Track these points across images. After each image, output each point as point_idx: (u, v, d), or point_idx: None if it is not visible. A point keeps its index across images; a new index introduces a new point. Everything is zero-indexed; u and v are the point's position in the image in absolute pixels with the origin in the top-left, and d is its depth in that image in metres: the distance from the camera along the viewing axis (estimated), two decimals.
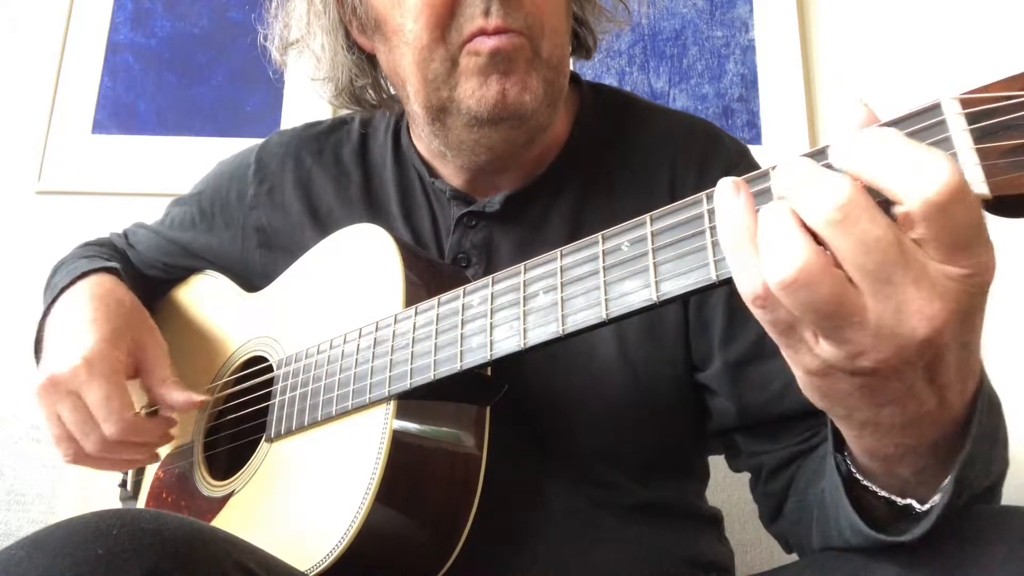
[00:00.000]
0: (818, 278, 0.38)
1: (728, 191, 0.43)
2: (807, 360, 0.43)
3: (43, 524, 0.53)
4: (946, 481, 0.47)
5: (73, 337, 0.80)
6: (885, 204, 0.39)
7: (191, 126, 1.68)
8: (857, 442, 0.49)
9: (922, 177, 0.37)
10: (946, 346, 0.40)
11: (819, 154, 0.42)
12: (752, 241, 0.42)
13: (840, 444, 0.53)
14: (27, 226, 1.61)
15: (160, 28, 1.74)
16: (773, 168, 0.45)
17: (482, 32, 0.71)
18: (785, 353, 0.44)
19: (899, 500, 0.51)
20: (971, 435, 0.45)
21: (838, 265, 0.39)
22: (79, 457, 0.79)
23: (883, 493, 0.51)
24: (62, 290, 0.88)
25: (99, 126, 1.67)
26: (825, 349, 0.41)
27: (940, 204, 0.37)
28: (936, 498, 0.48)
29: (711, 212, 0.48)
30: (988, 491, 0.54)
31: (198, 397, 0.84)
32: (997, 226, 0.42)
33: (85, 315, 0.83)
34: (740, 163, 0.84)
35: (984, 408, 0.46)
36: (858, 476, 0.53)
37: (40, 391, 0.78)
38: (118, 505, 0.92)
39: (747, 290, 0.42)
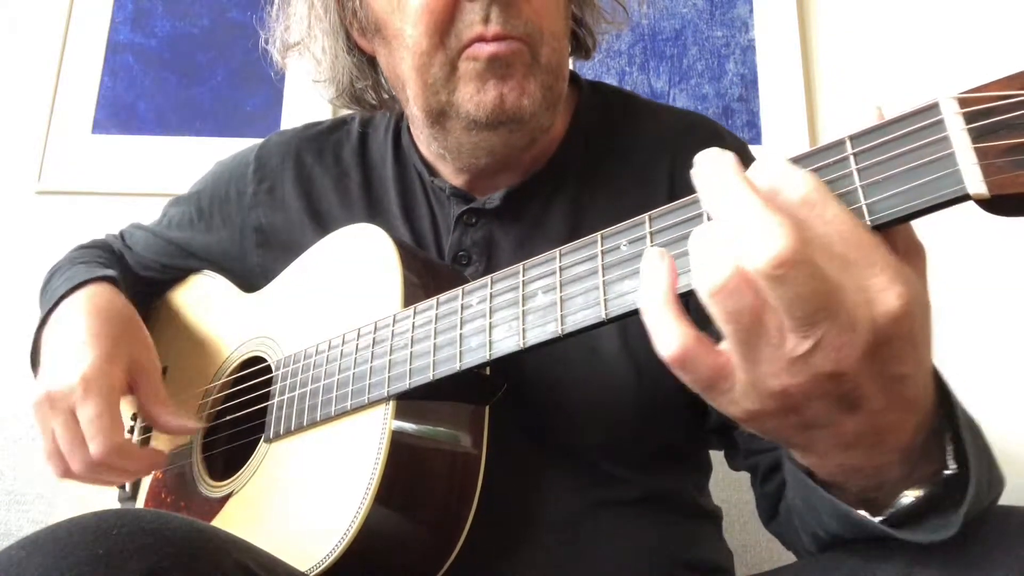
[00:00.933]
0: (745, 286, 0.40)
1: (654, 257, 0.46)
2: (724, 400, 0.45)
3: (43, 524, 0.53)
4: (903, 497, 0.48)
5: (72, 353, 0.80)
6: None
7: (191, 126, 1.68)
8: (802, 462, 0.51)
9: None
10: (860, 377, 0.41)
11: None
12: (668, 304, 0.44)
13: None
14: (27, 226, 1.61)
15: (160, 28, 1.74)
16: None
17: (481, 39, 0.72)
18: (703, 395, 0.46)
19: (851, 510, 0.51)
20: (972, 470, 0.46)
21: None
22: (67, 473, 0.79)
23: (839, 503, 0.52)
24: (59, 299, 0.88)
25: (99, 126, 1.67)
26: (744, 375, 0.43)
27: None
28: (887, 513, 0.49)
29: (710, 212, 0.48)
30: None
31: (193, 424, 0.84)
32: (997, 226, 0.42)
33: (84, 329, 0.82)
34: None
35: (965, 428, 0.47)
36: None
37: (36, 406, 0.78)
38: (118, 505, 0.92)
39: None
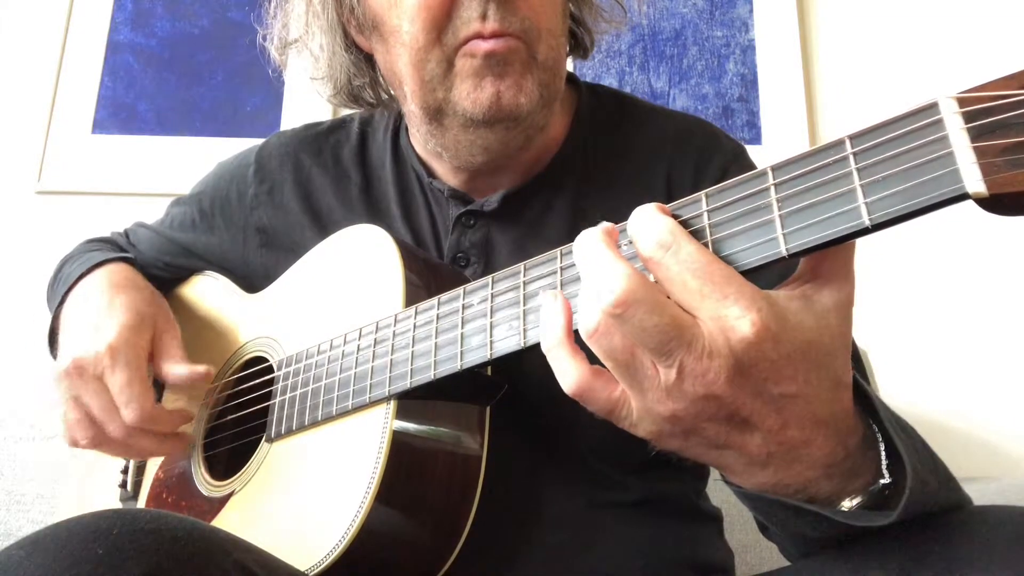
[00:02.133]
0: (613, 329, 0.45)
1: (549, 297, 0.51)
2: (627, 424, 0.49)
3: (43, 524, 0.53)
4: (845, 502, 0.50)
5: (97, 323, 0.81)
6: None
7: (191, 126, 1.68)
8: (727, 478, 0.52)
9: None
10: (736, 397, 0.44)
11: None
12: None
13: None
14: (27, 226, 1.61)
15: (160, 28, 1.75)
16: (771, 167, 0.46)
17: (478, 36, 0.72)
18: (619, 424, 0.49)
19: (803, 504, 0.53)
20: (902, 451, 0.48)
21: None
22: (98, 441, 0.80)
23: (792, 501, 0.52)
24: (78, 278, 0.89)
25: (99, 126, 1.67)
26: (637, 402, 0.47)
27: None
28: (846, 504, 0.50)
29: (710, 211, 0.48)
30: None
31: (200, 368, 0.84)
32: (996, 225, 0.42)
33: (107, 301, 0.84)
34: (735, 162, 0.84)
35: (897, 435, 0.49)
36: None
37: (64, 375, 0.79)
38: (118, 505, 0.92)
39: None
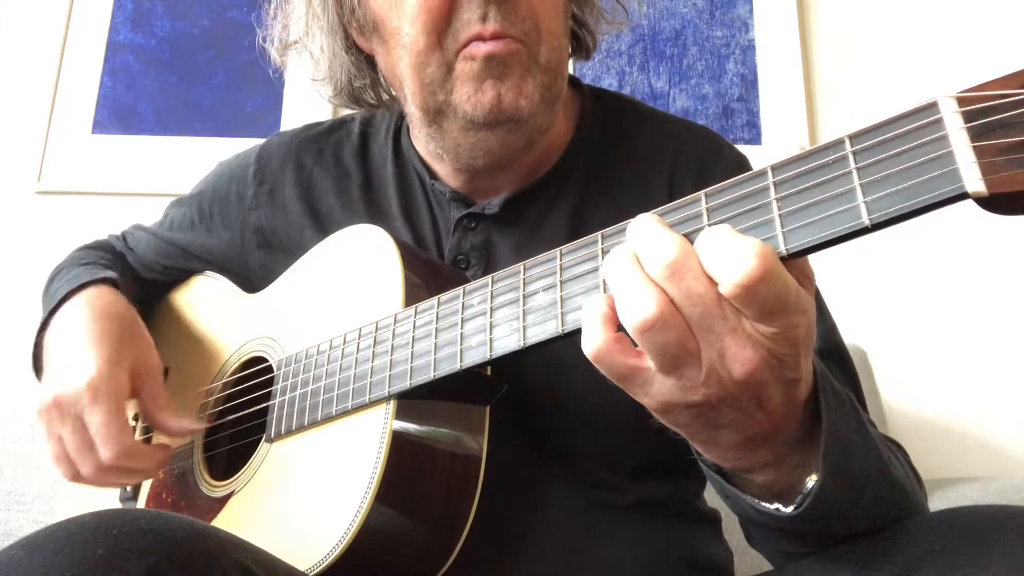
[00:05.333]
0: (670, 323, 0.45)
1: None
2: (647, 399, 0.50)
3: (43, 524, 0.53)
4: (808, 481, 0.53)
5: (76, 357, 0.80)
6: None
7: (191, 126, 1.68)
8: (707, 456, 0.55)
9: (732, 265, 0.44)
10: (765, 382, 0.47)
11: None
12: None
13: None
14: (27, 226, 1.61)
15: (160, 28, 1.75)
16: (771, 167, 0.46)
17: (479, 38, 0.71)
18: (630, 391, 0.50)
19: (767, 505, 0.55)
20: (824, 415, 0.52)
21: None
22: (76, 477, 0.79)
23: (749, 499, 0.56)
24: (60, 302, 0.88)
25: (99, 126, 1.67)
26: (664, 383, 0.48)
27: (746, 287, 0.43)
28: (798, 499, 0.54)
29: (709, 211, 0.48)
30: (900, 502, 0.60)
31: (195, 425, 0.84)
32: (995, 225, 0.42)
33: (86, 333, 0.82)
34: (738, 173, 0.84)
35: (831, 401, 0.53)
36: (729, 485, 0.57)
37: (43, 412, 0.78)
38: (118, 505, 0.92)
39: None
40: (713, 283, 0.45)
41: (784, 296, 0.44)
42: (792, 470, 0.54)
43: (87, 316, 0.85)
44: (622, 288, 0.47)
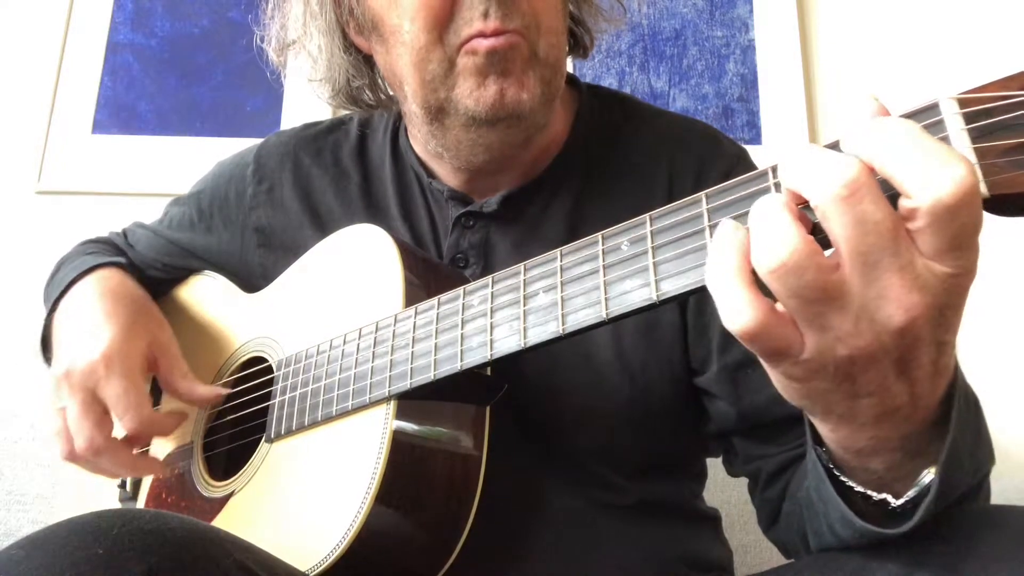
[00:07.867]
0: (805, 263, 0.39)
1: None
2: (787, 366, 0.44)
3: (43, 524, 0.53)
4: (925, 475, 0.48)
5: (90, 332, 0.81)
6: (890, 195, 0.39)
7: (191, 126, 1.68)
8: (832, 436, 0.49)
9: (938, 175, 0.37)
10: (920, 339, 0.41)
11: (832, 147, 0.42)
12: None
13: (819, 438, 0.53)
14: (27, 226, 1.61)
15: (160, 28, 1.74)
16: (772, 167, 0.45)
17: (480, 35, 0.71)
18: (767, 363, 0.45)
19: (875, 495, 0.51)
20: (952, 427, 0.46)
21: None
22: (71, 455, 0.79)
23: (859, 488, 0.52)
24: (70, 284, 0.89)
25: (99, 126, 1.67)
26: (807, 341, 0.42)
27: (949, 206, 0.37)
28: (911, 493, 0.49)
29: (710, 211, 0.48)
30: (975, 489, 0.55)
31: (218, 390, 0.84)
32: (995, 225, 0.42)
33: (99, 310, 0.83)
34: (738, 165, 0.84)
35: (961, 404, 0.47)
36: (836, 472, 0.53)
37: (57, 384, 0.78)
38: (118, 505, 0.92)
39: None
40: (893, 210, 0.39)
41: (978, 227, 0.38)
42: (911, 459, 0.48)
43: (99, 294, 0.86)
44: (765, 225, 0.41)
